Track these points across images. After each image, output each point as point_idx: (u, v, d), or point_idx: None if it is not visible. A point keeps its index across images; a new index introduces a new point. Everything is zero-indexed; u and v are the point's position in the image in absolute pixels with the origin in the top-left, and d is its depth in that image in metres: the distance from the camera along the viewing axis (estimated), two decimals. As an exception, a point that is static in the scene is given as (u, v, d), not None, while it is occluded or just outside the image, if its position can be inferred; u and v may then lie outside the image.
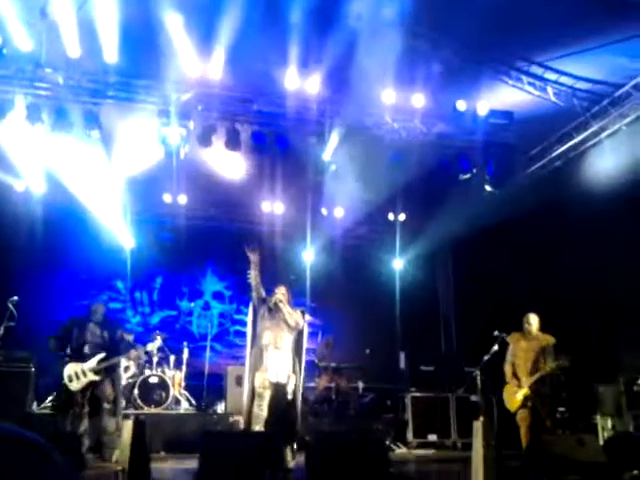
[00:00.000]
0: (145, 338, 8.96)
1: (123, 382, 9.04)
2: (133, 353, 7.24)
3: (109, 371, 6.81)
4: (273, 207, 11.08)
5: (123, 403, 9.04)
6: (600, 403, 7.59)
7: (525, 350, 6.74)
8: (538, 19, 6.99)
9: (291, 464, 5.97)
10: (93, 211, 10.17)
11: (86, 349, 6.75)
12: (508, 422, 7.40)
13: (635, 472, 5.25)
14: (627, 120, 8.16)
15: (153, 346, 7.80)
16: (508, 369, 6.76)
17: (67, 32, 7.18)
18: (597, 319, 8.23)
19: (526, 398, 6.53)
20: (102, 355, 6.69)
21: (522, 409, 6.57)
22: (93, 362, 6.64)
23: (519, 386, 6.60)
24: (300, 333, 6.44)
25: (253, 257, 6.24)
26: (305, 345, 6.52)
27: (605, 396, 7.56)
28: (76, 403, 6.57)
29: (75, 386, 6.58)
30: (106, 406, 6.64)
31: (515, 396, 6.59)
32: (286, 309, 6.26)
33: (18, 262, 9.87)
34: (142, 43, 7.49)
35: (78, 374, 6.61)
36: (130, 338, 8.14)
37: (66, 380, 6.60)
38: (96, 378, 6.62)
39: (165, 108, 8.00)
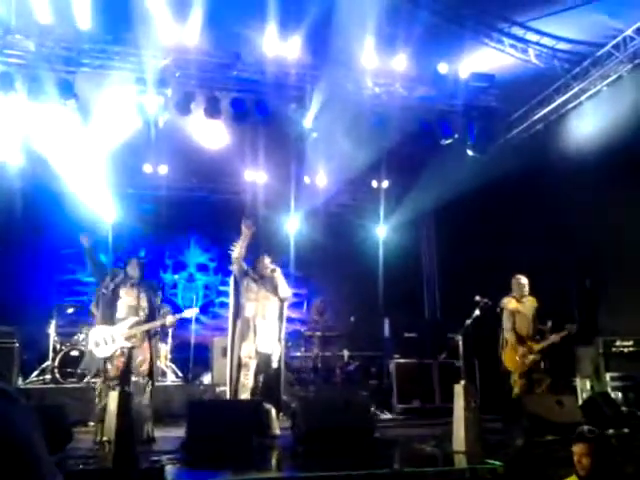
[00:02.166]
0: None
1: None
2: (170, 319, 6.36)
3: (142, 339, 6.12)
4: (255, 176, 10.97)
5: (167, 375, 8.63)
6: (579, 365, 7.72)
7: (523, 314, 6.85)
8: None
9: (277, 431, 6.02)
10: (72, 184, 9.98)
11: (119, 312, 6.10)
12: (490, 385, 7.54)
13: (610, 431, 5.38)
14: (608, 81, 8.14)
15: (191, 312, 6.99)
16: (511, 336, 6.81)
17: (36, -4, 6.95)
18: (577, 282, 8.33)
19: (536, 362, 6.69)
20: (134, 319, 6.08)
21: (537, 373, 6.75)
22: (124, 326, 6.02)
23: (530, 351, 6.71)
24: (283, 302, 6.45)
25: (247, 231, 6.17)
26: (285, 314, 6.52)
27: (584, 358, 7.69)
28: (105, 372, 5.97)
29: (102, 353, 5.96)
30: (134, 378, 6.01)
31: (524, 360, 6.70)
32: (281, 281, 6.28)
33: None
34: (116, 8, 7.28)
35: (106, 339, 5.96)
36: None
37: (92, 345, 6.03)
38: (127, 345, 5.99)
39: (142, 75, 7.84)
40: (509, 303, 6.87)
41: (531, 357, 6.71)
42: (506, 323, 6.88)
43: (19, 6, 6.96)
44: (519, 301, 6.89)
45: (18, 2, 6.92)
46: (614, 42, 7.80)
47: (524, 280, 6.93)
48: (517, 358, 6.73)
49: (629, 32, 7.60)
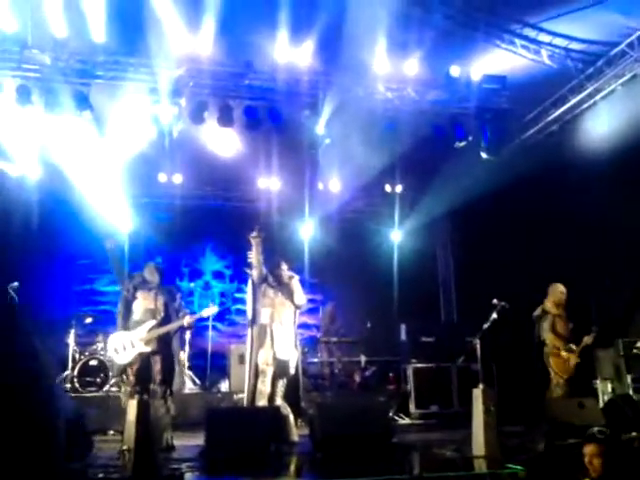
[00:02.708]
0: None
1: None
2: (187, 319, 6.20)
3: (160, 344, 6.07)
4: (269, 183, 11.00)
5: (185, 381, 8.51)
6: (600, 367, 7.63)
7: (562, 318, 7.09)
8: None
9: (295, 437, 6.01)
10: (89, 194, 10.10)
11: (135, 315, 6.11)
12: (509, 389, 7.48)
13: (633, 434, 5.30)
14: (622, 80, 8.04)
15: (210, 311, 6.76)
16: (556, 340, 7.02)
17: (53, 12, 7.06)
18: (596, 284, 8.23)
19: (577, 365, 6.91)
20: (152, 322, 6.05)
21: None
22: (142, 330, 5.99)
23: (572, 354, 6.91)
24: (297, 309, 6.46)
25: (255, 242, 6.19)
26: (298, 320, 6.52)
27: (604, 360, 7.61)
28: (127, 379, 5.98)
29: (122, 359, 5.97)
30: (152, 386, 5.97)
31: (569, 364, 6.91)
32: (297, 287, 6.29)
33: (16, 248, 9.84)
34: (129, 20, 7.36)
35: (125, 345, 5.97)
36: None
37: (112, 352, 6.04)
38: (146, 349, 5.97)
39: (155, 86, 7.91)
40: (552, 308, 6.97)
41: (574, 360, 6.91)
42: (548, 328, 7.01)
43: (35, 21, 7.07)
44: (558, 307, 7.09)
45: (34, 17, 7.03)
46: (628, 41, 7.71)
47: (563, 288, 7.15)
48: (563, 362, 6.85)
49: (643, 30, 7.52)
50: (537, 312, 7.17)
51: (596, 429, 3.42)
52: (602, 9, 7.17)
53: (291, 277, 6.30)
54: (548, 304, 7.13)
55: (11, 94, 7.59)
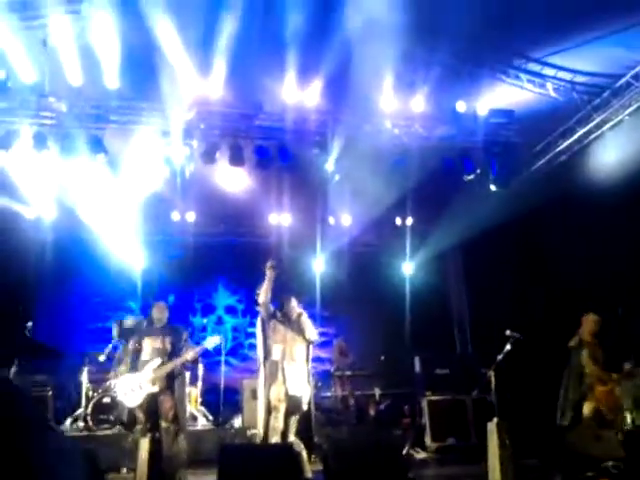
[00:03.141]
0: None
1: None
2: (190, 353, 6.18)
3: (168, 381, 6.10)
4: (280, 219, 11.13)
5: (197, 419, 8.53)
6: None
7: (598, 348, 6.90)
8: (532, 15, 7.00)
9: (309, 474, 5.97)
10: (103, 234, 10.29)
11: (143, 355, 6.17)
12: (525, 421, 7.37)
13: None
14: (629, 110, 8.14)
15: (212, 341, 6.53)
16: (599, 372, 6.75)
17: (68, 61, 7.33)
18: (611, 312, 8.17)
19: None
20: (158, 361, 6.08)
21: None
22: (148, 371, 6.03)
23: (614, 382, 6.73)
24: (309, 344, 6.47)
25: (270, 274, 6.25)
26: (311, 355, 6.53)
27: (623, 391, 7.49)
28: (138, 421, 5.99)
29: (132, 402, 6.00)
30: (163, 424, 5.97)
31: (613, 394, 6.71)
32: (307, 323, 6.32)
33: (30, 288, 10.01)
34: (142, 66, 7.60)
35: (133, 387, 6.01)
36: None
37: (121, 396, 6.08)
38: (154, 389, 6.01)
39: (167, 129, 8.12)
40: (588, 337, 6.92)
41: (617, 389, 6.73)
42: (588, 358, 6.85)
43: (52, 70, 7.32)
44: (594, 338, 6.95)
45: (51, 67, 7.29)
46: (633, 72, 7.82)
47: (597, 317, 7.05)
48: (608, 393, 6.68)
49: (646, 62, 7.64)
50: (573, 342, 6.95)
51: (611, 463, 3.39)
52: (605, 43, 7.31)
53: (300, 314, 6.32)
54: (585, 334, 6.94)
55: (28, 140, 7.81)
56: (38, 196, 9.57)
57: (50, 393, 8.04)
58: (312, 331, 6.36)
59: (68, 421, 8.59)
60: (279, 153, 8.47)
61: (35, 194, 9.51)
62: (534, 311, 9.07)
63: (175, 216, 10.76)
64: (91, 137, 7.94)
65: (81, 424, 8.40)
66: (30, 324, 6.71)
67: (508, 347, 6.36)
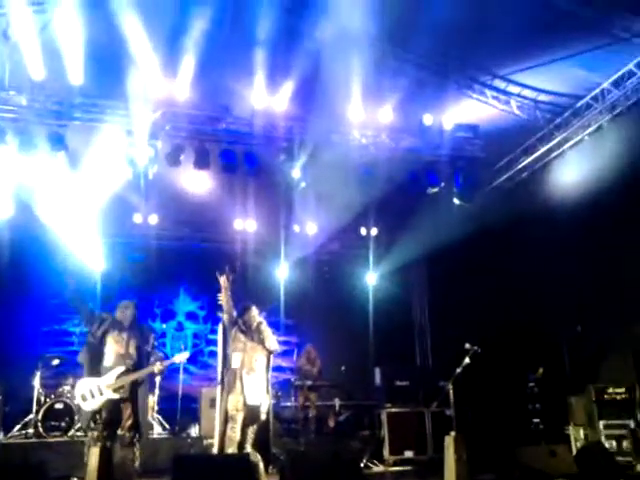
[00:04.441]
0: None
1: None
2: (158, 366, 6.02)
3: (130, 390, 5.89)
4: (245, 225, 11.02)
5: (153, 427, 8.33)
6: (572, 413, 7.63)
7: None
8: (499, 33, 7.13)
9: (265, 486, 5.87)
10: (62, 234, 10.00)
11: (105, 361, 5.91)
12: (483, 435, 7.43)
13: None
14: (589, 130, 8.36)
15: (181, 357, 6.58)
16: None
17: (30, 54, 7.11)
18: (567, 330, 8.32)
19: None
20: (121, 369, 5.87)
21: None
22: (111, 377, 5.82)
23: None
24: (270, 353, 6.38)
25: (224, 283, 6.17)
26: (272, 364, 6.45)
27: (577, 407, 7.62)
28: (93, 426, 5.74)
29: (90, 406, 5.75)
30: (119, 432, 5.78)
31: None
32: (268, 332, 6.22)
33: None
34: (107, 64, 7.44)
35: (93, 392, 5.78)
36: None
37: (79, 399, 5.82)
38: (115, 397, 5.79)
39: (132, 128, 7.95)
40: None
41: None
42: None
43: (12, 63, 7.11)
44: None
45: (12, 60, 7.07)
46: (592, 94, 8.05)
47: None
48: None
49: (606, 85, 7.85)
50: None
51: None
52: (568, 63, 7.51)
53: (260, 323, 6.23)
54: None
55: (-15, 134, 7.55)
56: (-6, 192, 9.24)
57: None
58: (272, 340, 6.27)
59: (17, 427, 8.28)
60: (245, 158, 8.40)
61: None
62: (494, 326, 9.16)
63: (137, 218, 10.54)
64: (52, 133, 7.71)
65: (31, 431, 8.13)
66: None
67: (467, 360, 6.40)
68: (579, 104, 8.28)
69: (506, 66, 8.06)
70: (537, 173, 9.46)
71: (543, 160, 9.23)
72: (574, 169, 8.72)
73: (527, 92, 8.44)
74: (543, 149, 9.06)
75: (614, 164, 7.73)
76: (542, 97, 8.47)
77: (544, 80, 8.10)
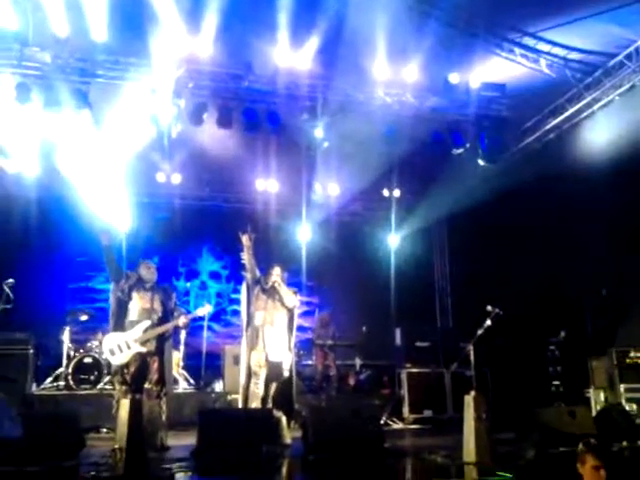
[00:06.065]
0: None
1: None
2: (182, 319, 6.15)
3: (156, 344, 6.01)
4: (267, 185, 11.02)
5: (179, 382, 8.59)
6: (593, 376, 7.65)
7: None
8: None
9: (288, 439, 6.03)
10: (87, 193, 10.10)
11: (131, 315, 6.04)
12: (502, 396, 7.49)
13: (624, 443, 5.33)
14: (620, 90, 8.09)
15: (204, 310, 6.66)
16: None
17: (54, 10, 7.08)
18: (591, 294, 8.26)
19: None
20: (147, 323, 5.99)
21: None
22: (138, 331, 5.93)
23: None
24: (292, 312, 6.47)
25: (246, 242, 6.23)
26: (296, 323, 6.54)
27: (597, 369, 7.62)
28: (123, 380, 5.91)
29: (118, 360, 5.91)
30: (147, 386, 5.92)
31: None
32: (283, 291, 6.31)
33: (13, 245, 9.87)
34: (131, 21, 7.38)
35: (121, 346, 5.90)
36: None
37: (107, 354, 5.98)
38: (142, 350, 5.91)
39: (155, 86, 7.92)
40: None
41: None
42: None
43: (36, 20, 7.09)
44: None
45: (35, 16, 7.05)
46: (626, 52, 7.76)
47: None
48: None
49: (641, 42, 7.57)
50: None
51: (592, 440, 3.41)
52: (601, 20, 7.22)
53: (275, 282, 6.30)
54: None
55: (10, 91, 7.59)
56: (21, 151, 9.34)
57: (31, 352, 7.99)
58: (289, 298, 6.35)
59: (49, 380, 8.57)
60: (268, 117, 8.34)
61: (18, 148, 9.29)
62: (516, 288, 9.13)
63: (161, 177, 10.59)
64: (75, 91, 7.73)
65: (62, 383, 8.40)
66: (12, 281, 6.57)
67: (488, 322, 6.40)
68: (611, 63, 7.99)
69: (536, 23, 7.79)
70: (565, 134, 9.23)
71: (572, 121, 8.98)
72: (604, 130, 8.50)
73: (557, 50, 8.16)
74: (572, 110, 8.81)
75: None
76: (573, 55, 8.18)
77: (575, 37, 7.82)
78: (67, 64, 7.67)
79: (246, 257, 6.26)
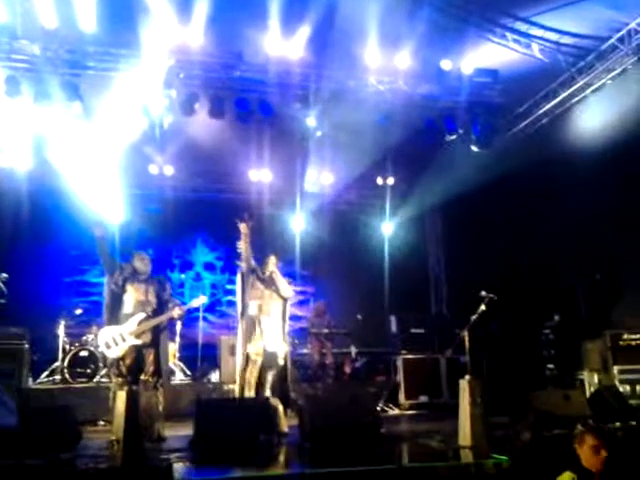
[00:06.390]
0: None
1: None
2: (177, 311, 6.12)
3: (152, 336, 6.02)
4: (260, 175, 11.00)
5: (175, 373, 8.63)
6: (586, 358, 7.71)
7: None
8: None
9: (285, 428, 6.05)
10: (80, 185, 10.05)
11: (125, 308, 6.01)
12: (497, 381, 7.55)
13: (617, 424, 5.39)
14: (612, 74, 8.09)
15: (199, 301, 6.67)
16: None
17: (42, 2, 7.01)
18: (584, 277, 8.31)
19: None
20: (142, 315, 5.98)
21: None
22: (132, 324, 5.91)
23: None
24: (286, 301, 6.48)
25: (244, 229, 6.20)
26: (289, 312, 6.55)
27: (591, 352, 7.68)
28: (119, 373, 5.89)
29: (114, 353, 5.88)
30: (143, 377, 5.93)
31: None
32: (280, 281, 6.31)
33: (6, 239, 9.83)
34: (120, 11, 7.30)
35: (116, 339, 5.88)
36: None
37: (103, 347, 5.93)
38: (137, 342, 5.91)
39: (146, 77, 7.87)
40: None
41: None
42: None
43: (24, 12, 7.01)
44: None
45: (23, 8, 6.98)
46: (618, 35, 7.74)
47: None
48: None
49: (633, 25, 7.53)
50: None
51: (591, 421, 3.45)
52: (593, 3, 7.19)
53: (272, 272, 6.31)
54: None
55: (0, 85, 7.52)
56: (12, 144, 9.28)
57: (27, 346, 7.98)
58: (285, 288, 6.36)
59: (45, 374, 8.58)
60: (260, 106, 8.31)
61: (9, 142, 9.23)
62: (510, 273, 9.17)
63: (153, 169, 10.56)
64: (66, 83, 7.69)
65: (58, 377, 8.41)
66: (5, 275, 6.55)
67: (483, 307, 6.42)
68: (604, 46, 7.97)
69: (528, 8, 7.76)
70: (557, 119, 9.23)
71: (564, 105, 8.98)
72: (596, 115, 8.50)
73: (549, 34, 8.13)
74: (564, 94, 8.81)
75: (637, 108, 7.52)
76: (565, 39, 8.15)
77: (568, 21, 7.78)
78: (57, 56, 7.62)
79: (243, 245, 6.23)
